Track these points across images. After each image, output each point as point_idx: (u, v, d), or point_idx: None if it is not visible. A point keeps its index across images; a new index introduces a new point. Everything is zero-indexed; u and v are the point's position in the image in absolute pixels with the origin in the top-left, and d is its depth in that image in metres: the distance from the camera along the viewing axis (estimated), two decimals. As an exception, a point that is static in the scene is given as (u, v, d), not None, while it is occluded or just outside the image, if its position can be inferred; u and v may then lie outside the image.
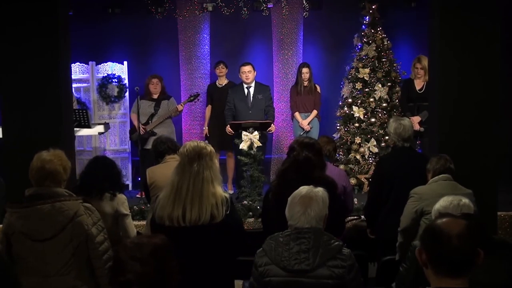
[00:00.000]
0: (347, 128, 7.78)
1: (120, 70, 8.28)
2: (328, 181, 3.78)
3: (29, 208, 3.19)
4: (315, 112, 7.65)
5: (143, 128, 7.33)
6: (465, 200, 3.18)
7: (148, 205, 5.89)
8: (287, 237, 2.87)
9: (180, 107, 7.47)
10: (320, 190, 3.00)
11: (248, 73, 7.23)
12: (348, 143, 7.71)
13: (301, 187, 3.02)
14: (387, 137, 7.47)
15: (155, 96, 7.52)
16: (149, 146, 7.27)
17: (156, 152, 4.88)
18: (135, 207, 6.24)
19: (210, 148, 3.44)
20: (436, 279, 2.02)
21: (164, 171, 4.61)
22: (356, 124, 7.71)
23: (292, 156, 3.83)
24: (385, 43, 7.86)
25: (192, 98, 7.58)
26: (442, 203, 3.19)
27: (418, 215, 4.07)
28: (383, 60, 7.81)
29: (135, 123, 7.48)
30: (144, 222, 5.92)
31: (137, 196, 7.18)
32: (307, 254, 2.79)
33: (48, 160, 3.26)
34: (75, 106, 7.42)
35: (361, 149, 7.62)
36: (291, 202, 2.96)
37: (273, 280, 2.82)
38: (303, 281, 2.78)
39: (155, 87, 7.49)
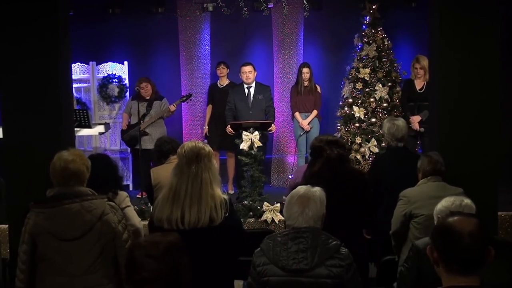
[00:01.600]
0: (347, 128, 7.79)
1: (121, 70, 8.29)
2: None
3: (57, 208, 3.16)
4: (315, 112, 7.65)
5: (127, 126, 7.39)
6: (467, 201, 3.18)
7: (149, 205, 5.90)
8: (285, 237, 2.88)
9: (172, 108, 7.47)
10: (317, 190, 3.00)
11: (248, 73, 7.24)
12: (349, 143, 7.70)
13: (299, 187, 3.03)
14: (387, 137, 7.48)
15: (148, 97, 7.54)
16: (143, 146, 7.28)
17: (160, 152, 4.86)
18: (135, 207, 6.21)
19: (208, 148, 3.40)
20: (447, 277, 2.02)
21: (169, 172, 4.60)
22: (357, 124, 7.71)
23: (325, 156, 3.93)
24: (386, 43, 7.86)
25: (184, 98, 7.60)
26: (444, 203, 3.19)
27: (406, 218, 4.06)
28: (384, 60, 7.81)
29: (124, 122, 7.54)
30: (144, 222, 5.91)
31: (138, 196, 7.18)
32: (305, 254, 2.80)
33: (71, 160, 3.24)
34: (74, 106, 7.42)
35: (362, 149, 7.62)
36: (289, 202, 2.97)
37: (271, 279, 2.83)
38: (301, 281, 2.78)
39: (146, 91, 7.52)
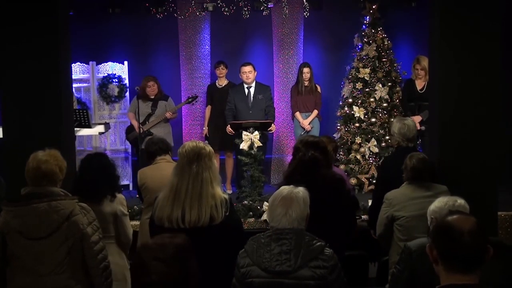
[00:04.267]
0: (347, 128, 7.78)
1: (121, 70, 8.29)
2: (336, 178, 3.89)
3: (25, 207, 3.20)
4: (315, 112, 7.65)
5: (141, 127, 7.34)
6: (460, 201, 3.17)
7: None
8: (268, 238, 2.86)
9: (169, 115, 7.43)
10: (300, 190, 2.98)
11: (248, 73, 7.24)
12: (349, 143, 7.71)
13: (282, 187, 3.01)
14: (387, 137, 7.48)
15: (152, 97, 7.53)
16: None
17: (147, 153, 4.87)
18: (135, 207, 6.23)
19: (209, 148, 3.42)
20: (446, 275, 2.03)
21: (154, 173, 4.62)
22: (357, 124, 7.71)
23: (298, 157, 3.84)
24: (386, 43, 7.86)
25: (190, 100, 7.59)
26: (437, 204, 3.18)
27: (389, 221, 4.05)
28: (384, 60, 7.81)
29: (133, 122, 7.49)
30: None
31: (137, 196, 7.17)
32: (288, 255, 2.78)
33: (44, 160, 3.29)
34: (75, 106, 7.42)
35: (362, 149, 7.62)
36: (272, 203, 2.95)
37: (255, 281, 2.82)
38: (285, 282, 2.76)
39: (152, 89, 7.48)
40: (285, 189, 2.98)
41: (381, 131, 7.59)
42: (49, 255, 3.21)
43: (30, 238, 3.20)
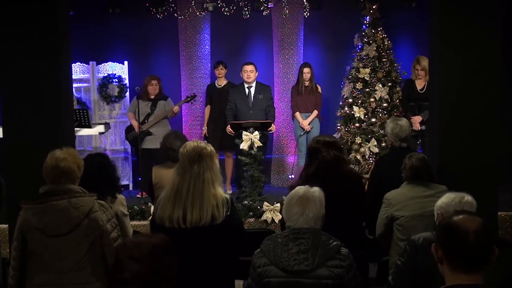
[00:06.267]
0: (347, 128, 7.78)
1: (121, 70, 8.29)
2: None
3: (45, 204, 3.21)
4: (315, 112, 7.65)
5: (140, 127, 7.33)
6: (468, 198, 3.17)
7: (149, 205, 5.89)
8: (285, 238, 2.87)
9: (176, 109, 7.45)
10: (316, 190, 3.00)
11: (250, 72, 7.24)
12: (349, 143, 7.70)
13: (298, 187, 3.03)
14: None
15: (152, 96, 7.52)
16: (144, 145, 7.26)
17: (168, 149, 4.75)
18: (135, 207, 6.23)
19: (210, 148, 3.44)
20: (451, 275, 2.03)
21: (170, 172, 4.56)
22: (357, 124, 7.71)
23: (321, 157, 3.93)
24: (386, 43, 7.86)
25: (188, 99, 7.59)
26: (445, 200, 3.19)
27: (389, 221, 4.06)
28: (384, 60, 7.81)
29: (132, 122, 7.49)
30: (144, 222, 5.92)
31: (137, 196, 7.18)
32: (306, 255, 2.80)
33: (62, 158, 3.30)
34: (75, 106, 7.42)
35: (362, 149, 7.62)
36: (288, 203, 2.97)
37: (272, 281, 2.82)
38: (302, 282, 2.78)
39: (154, 89, 7.49)
40: (301, 189, 3.00)
41: (381, 131, 7.58)
42: (69, 252, 3.22)
43: (51, 235, 3.20)
